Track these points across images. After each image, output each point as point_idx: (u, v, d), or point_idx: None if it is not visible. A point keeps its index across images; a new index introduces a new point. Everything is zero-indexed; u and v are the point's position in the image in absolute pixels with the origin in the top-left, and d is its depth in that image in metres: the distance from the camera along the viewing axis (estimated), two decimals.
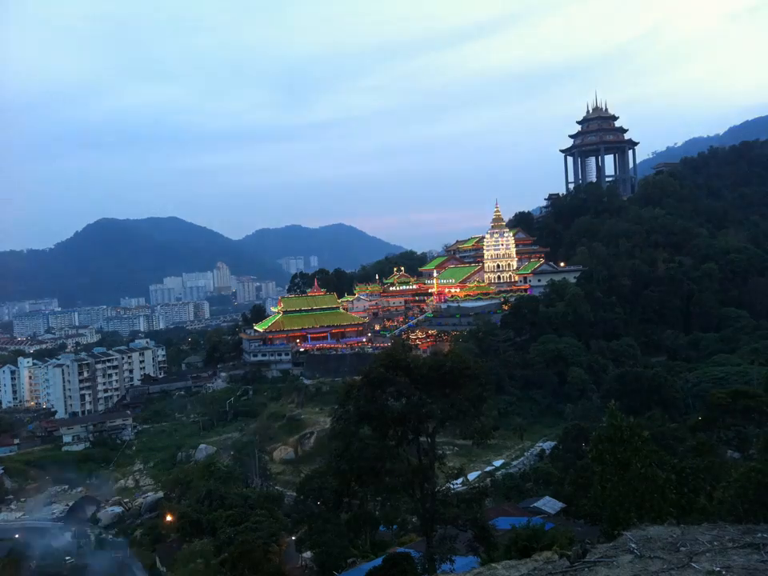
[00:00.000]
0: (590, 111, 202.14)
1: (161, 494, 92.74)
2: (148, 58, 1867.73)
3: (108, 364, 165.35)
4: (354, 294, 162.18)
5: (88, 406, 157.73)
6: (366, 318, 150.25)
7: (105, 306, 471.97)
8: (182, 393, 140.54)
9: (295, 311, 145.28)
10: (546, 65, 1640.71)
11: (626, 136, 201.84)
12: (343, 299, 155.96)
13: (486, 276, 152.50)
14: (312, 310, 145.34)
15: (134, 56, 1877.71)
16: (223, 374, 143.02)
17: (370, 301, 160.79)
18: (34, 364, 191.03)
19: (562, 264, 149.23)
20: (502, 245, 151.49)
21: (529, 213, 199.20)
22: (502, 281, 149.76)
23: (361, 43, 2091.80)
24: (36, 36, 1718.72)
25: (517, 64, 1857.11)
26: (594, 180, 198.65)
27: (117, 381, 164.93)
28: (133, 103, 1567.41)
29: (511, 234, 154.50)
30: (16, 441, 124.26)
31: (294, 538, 55.98)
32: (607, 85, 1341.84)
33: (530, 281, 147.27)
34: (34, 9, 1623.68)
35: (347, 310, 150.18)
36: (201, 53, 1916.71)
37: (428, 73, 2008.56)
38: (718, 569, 7.51)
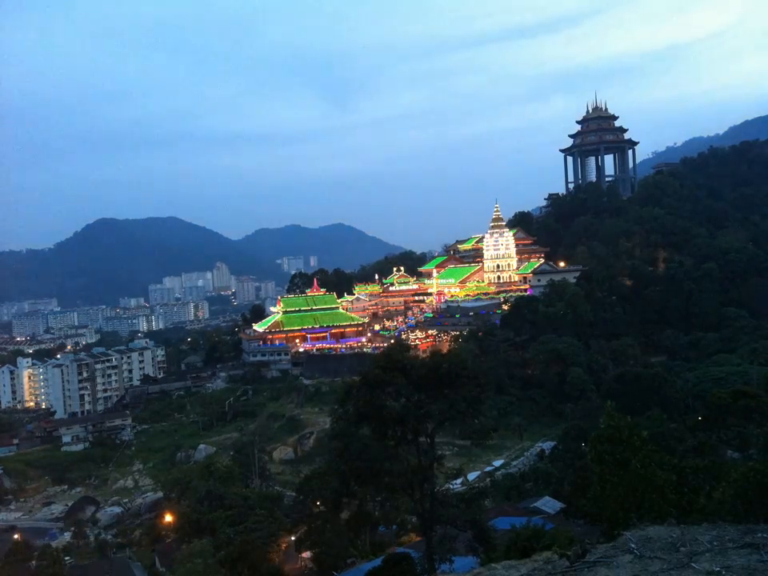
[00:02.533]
0: (590, 111, 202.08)
1: (160, 494, 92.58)
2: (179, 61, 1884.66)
3: (107, 364, 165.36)
4: (354, 294, 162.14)
5: (87, 406, 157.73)
6: (365, 318, 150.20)
7: (104, 306, 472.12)
8: (182, 393, 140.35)
9: (295, 311, 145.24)
10: (554, 71, 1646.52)
11: (626, 136, 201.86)
12: (343, 299, 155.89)
13: (485, 276, 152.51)
14: (311, 310, 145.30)
15: (167, 59, 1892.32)
16: (223, 374, 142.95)
17: (370, 301, 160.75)
18: (33, 364, 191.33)
19: (561, 264, 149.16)
20: (502, 245, 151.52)
21: (528, 213, 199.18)
22: (501, 281, 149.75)
23: (377, 45, 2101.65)
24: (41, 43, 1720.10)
25: (538, 66, 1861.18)
26: (594, 180, 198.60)
27: (116, 381, 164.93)
28: (157, 106, 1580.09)
29: (511, 234, 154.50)
30: (15, 441, 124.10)
31: (293, 538, 55.91)
32: (610, 88, 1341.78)
33: (529, 281, 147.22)
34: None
35: (347, 310, 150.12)
36: (242, 52, 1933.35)
37: (444, 75, 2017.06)
38: (718, 569, 7.48)
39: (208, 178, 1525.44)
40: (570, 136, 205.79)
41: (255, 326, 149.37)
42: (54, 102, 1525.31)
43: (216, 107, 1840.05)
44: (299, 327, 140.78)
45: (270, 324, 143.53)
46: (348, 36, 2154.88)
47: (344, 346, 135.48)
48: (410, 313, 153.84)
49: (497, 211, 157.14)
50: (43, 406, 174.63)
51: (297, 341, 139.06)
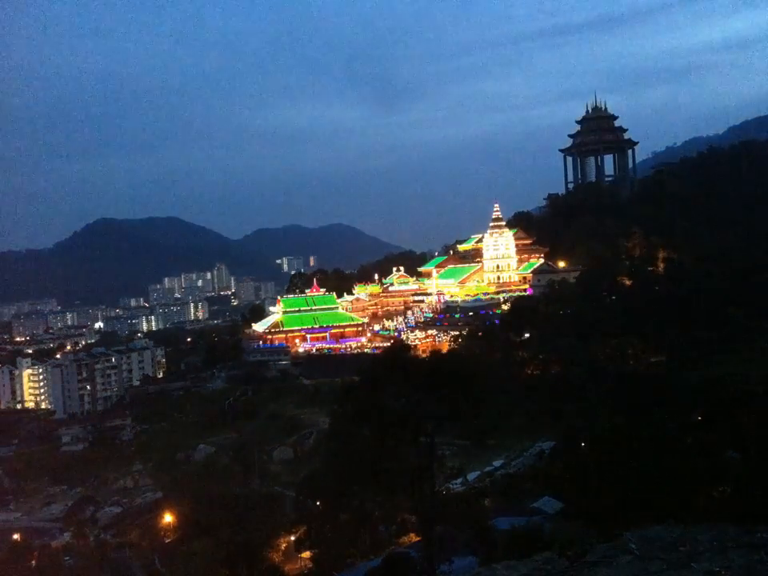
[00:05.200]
0: (590, 111, 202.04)
1: (160, 494, 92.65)
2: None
3: (107, 364, 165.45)
4: (354, 294, 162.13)
5: (87, 406, 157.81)
6: (365, 318, 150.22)
7: (104, 306, 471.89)
8: (181, 393, 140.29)
9: (294, 311, 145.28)
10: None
11: (626, 136, 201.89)
12: (342, 299, 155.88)
13: (485, 276, 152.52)
14: (311, 310, 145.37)
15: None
16: (222, 374, 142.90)
17: (370, 301, 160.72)
18: (33, 364, 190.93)
19: (561, 264, 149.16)
20: (502, 245, 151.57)
21: (528, 213, 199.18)
22: (501, 281, 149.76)
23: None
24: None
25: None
26: (594, 180, 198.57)
27: (116, 381, 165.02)
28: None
29: (511, 234, 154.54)
30: (15, 441, 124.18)
31: (293, 538, 55.94)
32: (611, 89, 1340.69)
33: (529, 281, 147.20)
34: None
35: (347, 310, 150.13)
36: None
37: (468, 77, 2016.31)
38: (718, 569, 7.47)
39: (209, 178, 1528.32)
40: (570, 136, 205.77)
41: (255, 326, 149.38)
42: (53, 101, 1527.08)
43: (236, 106, 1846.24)
44: (299, 327, 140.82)
45: (269, 324, 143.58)
46: (379, 33, 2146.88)
47: (344, 346, 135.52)
48: (409, 313, 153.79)
49: (497, 211, 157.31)
50: (43, 406, 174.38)
51: (296, 341, 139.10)
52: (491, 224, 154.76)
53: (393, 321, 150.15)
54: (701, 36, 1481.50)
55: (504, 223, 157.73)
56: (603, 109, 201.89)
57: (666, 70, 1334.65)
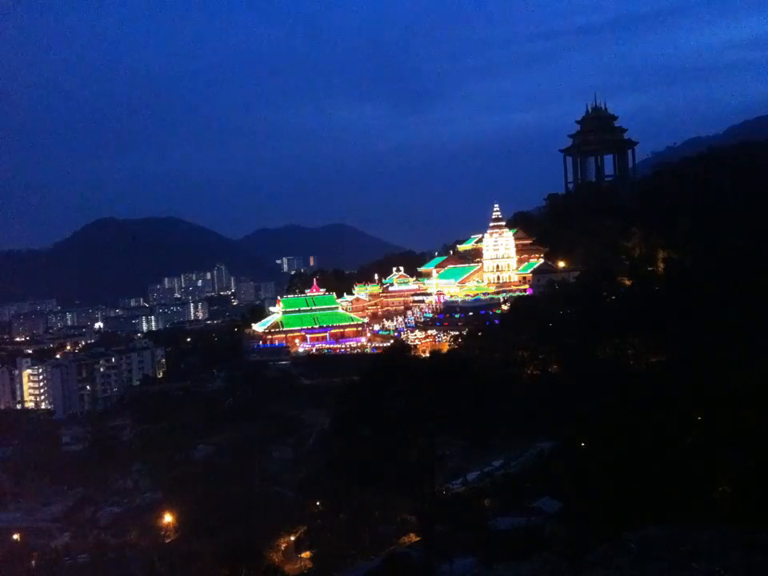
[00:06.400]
0: (590, 111, 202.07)
1: (160, 494, 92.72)
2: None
3: (107, 364, 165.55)
4: (354, 294, 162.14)
5: (87, 406, 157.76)
6: (365, 318, 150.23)
7: (104, 306, 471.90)
8: (181, 393, 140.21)
9: (294, 311, 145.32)
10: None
11: (626, 136, 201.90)
12: (342, 299, 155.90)
13: (485, 276, 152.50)
14: (311, 310, 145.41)
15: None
16: (222, 374, 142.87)
17: (370, 301, 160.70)
18: (33, 364, 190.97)
19: (561, 264, 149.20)
20: (502, 245, 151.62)
21: (528, 213, 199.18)
22: (501, 281, 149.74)
23: None
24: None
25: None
26: (594, 180, 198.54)
27: (116, 381, 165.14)
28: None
29: (510, 234, 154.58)
30: (15, 441, 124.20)
31: (293, 538, 55.98)
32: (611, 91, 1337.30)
33: (529, 281, 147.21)
34: None
35: (347, 310, 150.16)
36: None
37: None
38: (718, 569, 7.48)
39: (209, 178, 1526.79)
40: (570, 136, 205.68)
41: (255, 326, 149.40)
42: (53, 101, 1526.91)
43: (237, 106, 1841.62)
44: (299, 327, 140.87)
45: (269, 324, 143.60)
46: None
47: (344, 346, 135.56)
48: (409, 313, 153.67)
49: (496, 211, 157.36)
50: (43, 406, 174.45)
51: (296, 341, 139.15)
52: (491, 224, 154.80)
53: (393, 321, 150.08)
54: (713, 37, 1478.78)
55: (504, 223, 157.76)
56: (603, 109, 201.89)
57: (668, 71, 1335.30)
